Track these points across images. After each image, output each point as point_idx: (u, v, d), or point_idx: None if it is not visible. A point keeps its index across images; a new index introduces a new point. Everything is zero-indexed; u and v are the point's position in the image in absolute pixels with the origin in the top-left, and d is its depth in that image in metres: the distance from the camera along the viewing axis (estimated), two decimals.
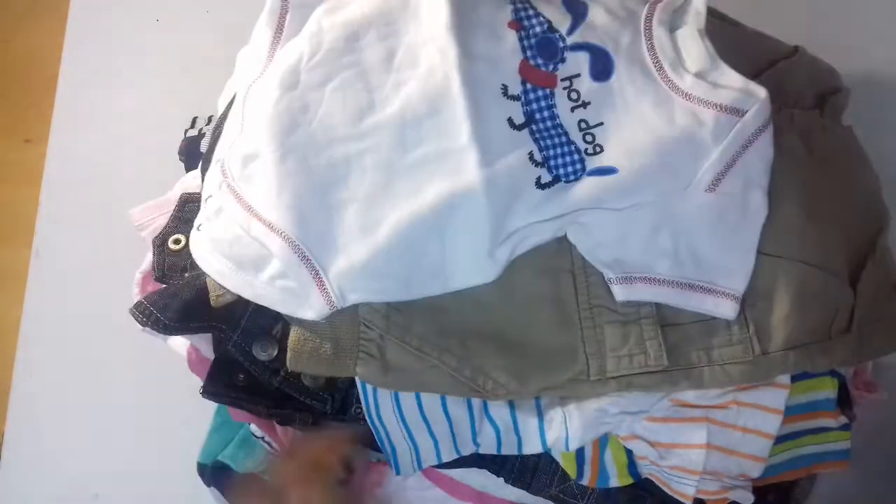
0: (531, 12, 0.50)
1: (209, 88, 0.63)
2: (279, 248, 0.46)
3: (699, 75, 0.48)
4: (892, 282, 0.56)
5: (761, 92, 0.48)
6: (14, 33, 1.09)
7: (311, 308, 0.47)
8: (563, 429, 0.51)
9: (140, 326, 0.51)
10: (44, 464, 0.84)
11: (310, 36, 0.50)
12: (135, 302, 0.51)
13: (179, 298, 0.50)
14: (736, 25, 0.60)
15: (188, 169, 0.67)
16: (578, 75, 0.49)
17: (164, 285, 0.53)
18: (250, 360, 0.52)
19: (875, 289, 0.54)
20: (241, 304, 0.50)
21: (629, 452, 0.55)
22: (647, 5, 0.51)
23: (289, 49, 0.50)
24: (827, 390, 0.55)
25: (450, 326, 0.49)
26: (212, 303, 0.50)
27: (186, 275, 0.53)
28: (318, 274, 0.46)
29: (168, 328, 0.50)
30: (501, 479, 0.57)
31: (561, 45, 0.50)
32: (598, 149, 0.48)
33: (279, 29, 0.51)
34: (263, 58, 0.51)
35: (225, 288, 0.49)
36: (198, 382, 0.55)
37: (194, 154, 0.66)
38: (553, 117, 0.49)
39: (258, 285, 0.47)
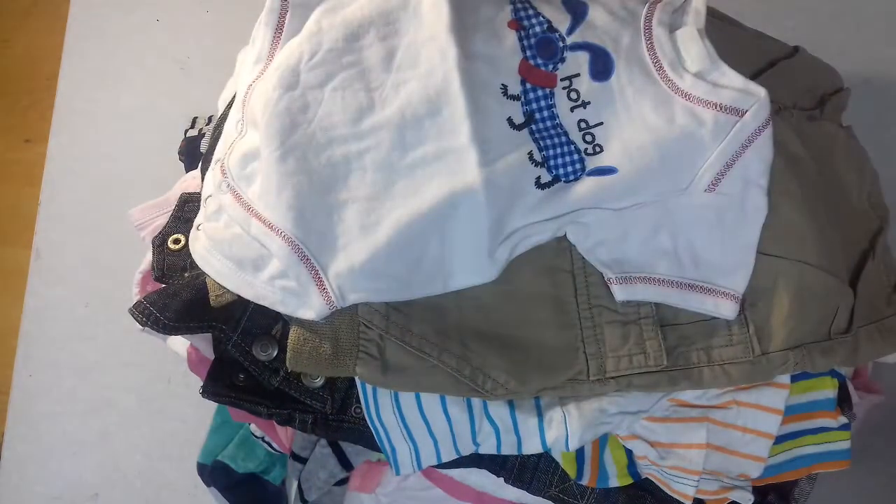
0: (531, 12, 0.50)
1: (209, 88, 0.63)
2: (279, 248, 0.46)
3: (699, 75, 0.48)
4: (892, 281, 0.56)
5: (761, 92, 0.48)
6: (14, 33, 1.09)
7: (310, 308, 0.47)
8: (562, 429, 0.51)
9: (139, 326, 0.51)
10: (44, 464, 0.85)
11: (310, 35, 0.50)
12: (134, 302, 0.51)
13: (179, 298, 0.50)
14: (736, 25, 0.60)
15: (188, 169, 0.67)
16: (578, 75, 0.49)
17: (163, 285, 0.53)
18: (250, 361, 0.52)
19: (875, 288, 0.54)
20: (240, 303, 0.50)
21: (629, 452, 0.55)
22: (647, 5, 0.50)
23: (289, 49, 0.50)
24: (827, 390, 0.55)
25: (449, 326, 0.49)
26: (212, 303, 0.50)
27: (186, 274, 0.53)
28: (317, 273, 0.46)
29: (167, 328, 0.50)
30: (501, 479, 0.57)
31: (560, 44, 0.50)
32: (597, 149, 0.48)
33: (279, 28, 0.51)
34: (263, 57, 0.51)
35: (225, 288, 0.49)
36: (198, 382, 0.55)
37: (194, 154, 0.66)
38: (553, 117, 0.49)
39: (258, 285, 0.47)
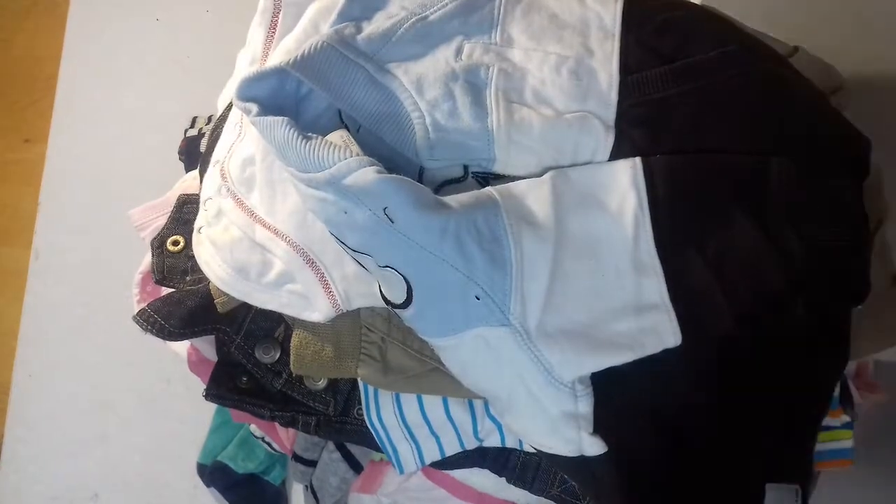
0: None
1: (209, 88, 0.63)
2: (284, 252, 0.46)
3: None
4: (891, 276, 0.56)
5: None
6: (14, 33, 1.09)
7: (316, 310, 0.46)
8: None
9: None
10: (44, 464, 0.85)
11: (306, 37, 0.49)
12: (138, 309, 0.51)
13: (184, 306, 0.50)
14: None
15: (188, 169, 0.66)
16: None
17: (165, 289, 0.53)
18: (253, 363, 0.52)
19: (875, 283, 0.53)
20: (243, 306, 0.50)
21: None
22: None
23: (282, 49, 0.50)
24: None
25: None
26: (218, 309, 0.49)
27: (188, 277, 0.53)
28: (323, 277, 0.46)
29: (173, 335, 0.49)
30: (503, 480, 0.57)
31: None
32: None
33: (272, 28, 0.51)
34: (258, 58, 0.51)
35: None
36: (198, 382, 0.55)
37: (194, 154, 0.66)
38: None
39: (262, 290, 0.47)
